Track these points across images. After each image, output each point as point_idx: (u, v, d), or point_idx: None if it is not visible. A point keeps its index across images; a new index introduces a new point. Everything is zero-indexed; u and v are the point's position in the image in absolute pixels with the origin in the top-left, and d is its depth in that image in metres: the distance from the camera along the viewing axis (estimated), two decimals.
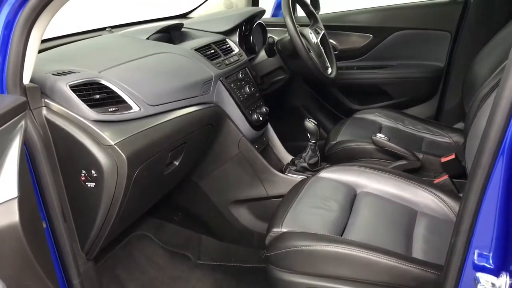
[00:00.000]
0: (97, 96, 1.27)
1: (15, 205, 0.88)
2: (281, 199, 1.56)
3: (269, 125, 2.22)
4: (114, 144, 1.24)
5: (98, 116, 1.25)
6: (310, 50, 2.04)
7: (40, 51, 1.29)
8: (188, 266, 1.99)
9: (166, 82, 1.53)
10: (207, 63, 1.77)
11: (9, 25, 1.04)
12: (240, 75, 1.95)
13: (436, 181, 1.74)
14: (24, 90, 1.11)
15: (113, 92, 1.32)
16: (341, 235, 1.33)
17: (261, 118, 2.01)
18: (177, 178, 1.80)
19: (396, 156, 1.86)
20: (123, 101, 1.33)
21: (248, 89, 1.96)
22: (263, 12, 2.36)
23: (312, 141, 1.90)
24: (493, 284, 0.83)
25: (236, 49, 2.04)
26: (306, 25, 2.24)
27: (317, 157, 1.92)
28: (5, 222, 0.87)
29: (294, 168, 1.95)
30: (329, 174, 1.62)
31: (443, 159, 1.78)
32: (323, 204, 1.44)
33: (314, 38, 2.16)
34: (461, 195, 1.60)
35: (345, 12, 2.77)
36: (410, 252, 1.28)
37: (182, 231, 2.09)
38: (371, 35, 2.62)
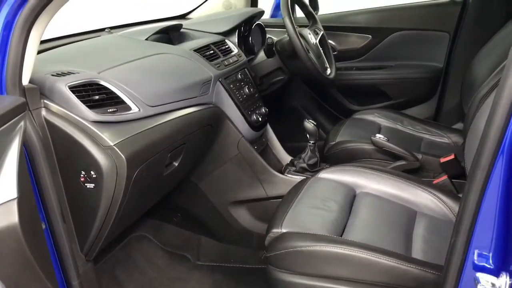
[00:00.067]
0: (96, 97, 1.27)
1: (14, 206, 0.88)
2: (280, 199, 1.56)
3: (268, 126, 2.22)
4: (114, 145, 1.23)
5: (97, 117, 1.24)
6: (309, 51, 2.04)
7: (39, 52, 1.28)
8: (187, 267, 1.99)
9: (165, 82, 1.53)
10: (206, 63, 1.77)
11: (8, 25, 1.04)
12: (239, 76, 1.95)
13: (436, 181, 1.74)
14: (23, 90, 1.11)
15: (112, 93, 1.32)
16: (341, 236, 1.33)
17: (260, 119, 2.01)
18: (177, 179, 1.80)
19: (395, 157, 1.86)
20: (122, 102, 1.33)
21: (247, 90, 1.96)
22: (262, 12, 2.36)
23: (311, 142, 1.90)
24: (493, 284, 0.83)
25: (235, 50, 2.04)
26: (305, 26, 2.24)
27: (316, 158, 1.92)
28: (5, 223, 0.87)
29: (294, 168, 1.95)
30: (329, 174, 1.62)
31: (442, 160, 1.78)
32: (322, 205, 1.44)
33: (313, 39, 2.16)
34: (460, 195, 1.60)
35: (344, 13, 2.77)
36: (409, 252, 1.28)
37: (182, 232, 2.09)
38: (370, 36, 2.62)
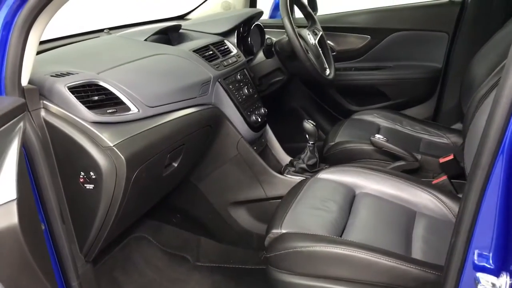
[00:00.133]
0: (96, 98, 1.27)
1: (14, 207, 0.88)
2: (280, 200, 1.56)
3: (267, 127, 2.22)
4: (113, 146, 1.23)
5: (96, 118, 1.24)
6: (308, 51, 2.04)
7: (38, 53, 1.28)
8: (186, 268, 1.98)
9: (165, 83, 1.53)
10: (206, 64, 1.77)
11: (7, 26, 1.04)
12: (239, 77, 1.95)
13: (435, 181, 1.74)
14: (22, 91, 1.11)
15: (111, 93, 1.31)
16: (341, 236, 1.33)
17: (259, 120, 2.00)
18: (176, 180, 1.80)
19: (395, 157, 1.86)
20: (122, 103, 1.33)
21: (246, 91, 1.96)
22: (261, 13, 2.36)
23: (311, 142, 1.90)
24: (493, 284, 0.82)
25: (234, 50, 2.04)
26: (304, 27, 2.24)
27: (315, 158, 1.92)
28: (4, 224, 0.87)
29: (293, 169, 1.95)
30: (328, 175, 1.62)
31: (442, 160, 1.78)
32: (322, 205, 1.44)
33: (312, 39, 2.16)
34: (459, 195, 1.60)
35: (342, 14, 2.77)
36: (409, 252, 1.28)
37: (181, 233, 2.09)
38: (369, 36, 2.63)
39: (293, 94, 2.72)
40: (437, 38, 2.53)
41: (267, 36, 2.28)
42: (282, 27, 1.99)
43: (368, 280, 1.21)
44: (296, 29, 1.99)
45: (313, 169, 1.91)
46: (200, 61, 1.77)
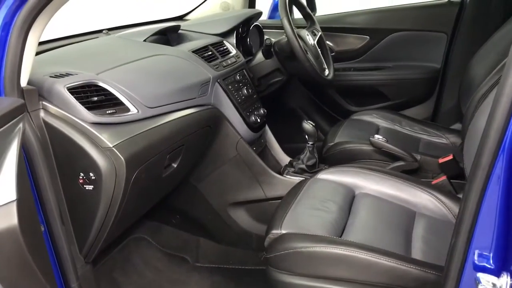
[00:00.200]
0: (95, 98, 1.27)
1: (13, 208, 0.88)
2: (279, 201, 1.55)
3: (266, 127, 2.22)
4: (112, 147, 1.23)
5: (96, 119, 1.24)
6: (307, 52, 2.04)
7: (37, 53, 1.28)
8: (186, 269, 1.98)
9: (164, 84, 1.53)
10: (205, 65, 1.77)
11: (6, 27, 1.04)
12: (238, 77, 1.95)
13: (434, 182, 1.74)
14: (21, 92, 1.11)
15: (111, 94, 1.31)
16: (340, 236, 1.33)
17: (259, 120, 2.00)
18: (175, 180, 1.80)
19: (394, 157, 1.86)
20: (121, 103, 1.33)
21: (245, 91, 1.96)
22: (260, 14, 2.36)
23: (310, 143, 1.90)
24: (493, 285, 0.82)
25: (234, 51, 2.04)
26: (303, 27, 2.24)
27: (315, 159, 1.92)
28: (4, 225, 0.87)
29: (292, 169, 1.95)
30: (327, 175, 1.61)
31: (441, 160, 1.78)
32: (321, 206, 1.44)
33: (311, 40, 2.16)
34: (459, 195, 1.60)
35: (341, 14, 2.77)
36: (409, 253, 1.28)
37: (180, 234, 2.08)
38: (367, 37, 2.63)
39: (292, 94, 2.72)
40: (436, 38, 2.53)
41: (266, 37, 2.28)
42: (281, 27, 1.99)
43: (368, 280, 1.21)
44: (295, 30, 1.99)
45: (312, 170, 1.91)
46: (199, 61, 1.76)
